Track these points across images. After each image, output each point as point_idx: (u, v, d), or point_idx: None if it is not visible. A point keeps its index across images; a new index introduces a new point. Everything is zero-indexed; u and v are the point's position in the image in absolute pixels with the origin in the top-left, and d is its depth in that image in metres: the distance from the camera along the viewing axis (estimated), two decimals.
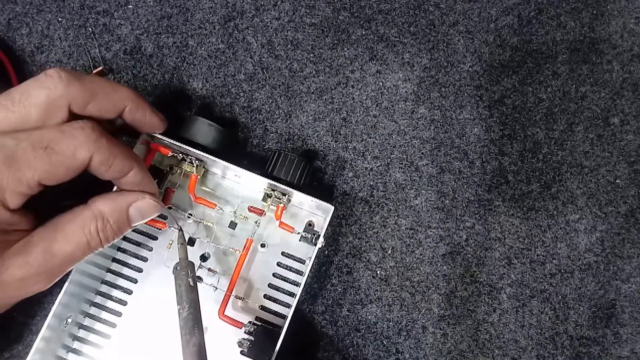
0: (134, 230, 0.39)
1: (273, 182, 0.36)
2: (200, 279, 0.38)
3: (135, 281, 0.38)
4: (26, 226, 0.27)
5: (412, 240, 0.42)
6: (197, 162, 0.38)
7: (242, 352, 0.37)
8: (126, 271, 0.38)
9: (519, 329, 0.41)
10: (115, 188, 0.32)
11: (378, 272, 0.41)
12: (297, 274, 0.39)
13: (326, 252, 0.41)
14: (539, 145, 0.44)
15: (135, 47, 0.44)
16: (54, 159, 0.25)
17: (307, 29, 0.45)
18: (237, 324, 0.37)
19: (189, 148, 0.36)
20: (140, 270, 0.39)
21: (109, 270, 0.38)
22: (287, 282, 0.39)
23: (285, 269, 0.39)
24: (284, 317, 0.38)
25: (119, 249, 0.39)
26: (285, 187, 0.36)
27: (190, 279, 0.31)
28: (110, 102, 0.29)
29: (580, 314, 0.42)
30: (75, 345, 0.37)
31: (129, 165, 0.29)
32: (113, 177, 0.29)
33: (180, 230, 0.35)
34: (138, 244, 0.39)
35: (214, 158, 0.36)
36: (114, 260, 0.39)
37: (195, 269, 0.38)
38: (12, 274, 0.26)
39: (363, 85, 0.44)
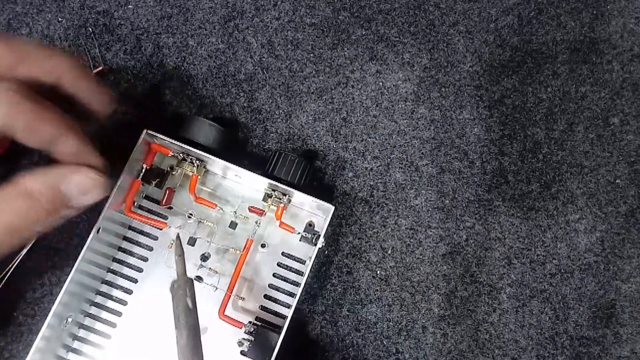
0: (134, 230, 0.39)
1: (273, 182, 0.36)
2: (200, 279, 0.38)
3: (135, 281, 0.38)
4: None
5: (412, 240, 0.42)
6: (197, 162, 0.38)
7: (242, 352, 0.37)
8: (126, 271, 0.39)
9: (519, 329, 0.41)
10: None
11: (378, 272, 0.41)
12: (297, 274, 0.39)
13: (326, 252, 0.41)
14: (539, 145, 0.44)
15: (135, 47, 0.44)
16: None
17: (307, 29, 0.45)
18: (237, 324, 0.37)
19: (190, 148, 0.36)
20: (140, 270, 0.39)
21: (109, 270, 0.38)
22: (287, 282, 0.39)
23: (286, 269, 0.39)
24: (284, 317, 0.38)
25: (120, 249, 0.39)
26: (286, 187, 0.36)
27: (188, 299, 0.29)
28: (43, 67, 0.25)
29: (580, 314, 0.42)
30: (76, 344, 0.37)
31: (59, 131, 0.24)
32: (41, 147, 0.25)
33: (178, 239, 0.33)
34: (138, 244, 0.39)
35: (214, 158, 0.36)
36: (114, 260, 0.39)
37: (197, 267, 0.38)
38: None
39: (363, 85, 0.44)
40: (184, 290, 0.29)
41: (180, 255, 0.32)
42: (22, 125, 0.23)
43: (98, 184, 0.27)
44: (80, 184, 0.26)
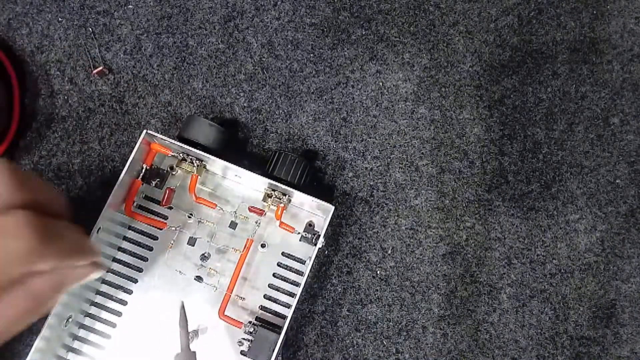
0: (134, 230, 0.39)
1: (273, 182, 0.36)
2: (200, 279, 0.38)
3: (135, 281, 0.38)
4: None
5: (412, 240, 0.42)
6: (197, 162, 0.38)
7: (242, 352, 0.37)
8: (126, 271, 0.38)
9: (519, 329, 0.41)
10: None
11: (378, 272, 0.41)
12: (297, 274, 0.39)
13: (326, 252, 0.41)
14: (539, 145, 0.44)
15: (135, 47, 0.44)
16: None
17: (307, 29, 0.45)
18: (237, 324, 0.37)
19: (190, 148, 0.36)
20: (140, 270, 0.39)
21: (109, 270, 0.38)
22: (287, 282, 0.39)
23: (286, 269, 0.39)
24: (284, 317, 0.38)
25: (120, 249, 0.39)
26: (286, 187, 0.36)
27: None
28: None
29: (580, 314, 0.42)
30: (76, 344, 0.37)
31: (75, 260, 0.24)
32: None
33: (183, 308, 0.33)
34: (138, 244, 0.39)
35: (214, 158, 0.36)
36: (115, 260, 0.39)
37: (197, 267, 0.38)
38: None
39: (363, 85, 0.44)
40: None
41: (185, 328, 0.33)
42: (42, 267, 0.22)
43: (97, 273, 0.26)
44: (82, 278, 0.26)
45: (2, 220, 0.19)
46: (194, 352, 0.32)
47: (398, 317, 0.41)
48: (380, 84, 0.45)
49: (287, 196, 0.38)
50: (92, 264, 0.26)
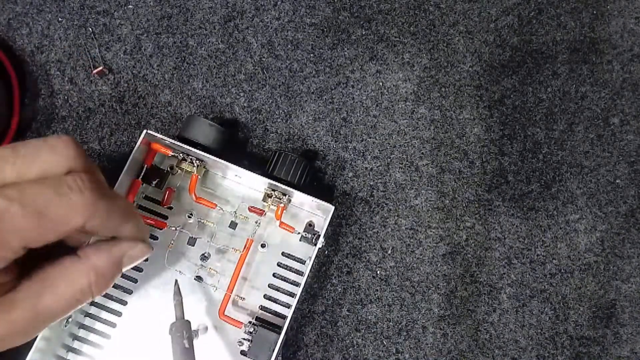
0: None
1: (273, 182, 0.36)
2: (200, 279, 0.38)
3: (135, 281, 0.38)
4: (9, 278, 0.24)
5: (412, 240, 0.42)
6: (197, 162, 0.38)
7: (242, 352, 0.37)
8: (126, 271, 0.38)
9: (519, 329, 0.41)
10: None
11: (378, 272, 0.41)
12: (297, 274, 0.39)
13: (326, 252, 0.41)
14: (539, 145, 0.44)
15: (135, 47, 0.44)
16: (45, 224, 0.23)
17: (307, 29, 0.45)
18: (237, 324, 0.37)
19: (190, 148, 0.36)
20: (140, 270, 0.39)
21: None
22: (287, 282, 0.39)
23: (286, 269, 0.39)
24: (284, 317, 0.38)
25: None
26: (286, 187, 0.36)
27: (186, 340, 0.32)
28: (51, 161, 0.25)
29: (580, 314, 0.42)
30: (75, 344, 0.37)
31: (124, 221, 0.27)
32: (104, 235, 0.27)
33: (177, 284, 0.34)
34: None
35: (214, 158, 0.36)
36: None
37: (197, 267, 0.38)
38: None
39: (363, 85, 0.44)
40: (181, 332, 0.32)
41: (179, 299, 0.33)
42: (92, 225, 0.25)
43: (147, 253, 0.29)
44: (135, 256, 0.28)
45: (68, 179, 0.23)
46: (188, 321, 0.33)
47: (398, 317, 0.41)
48: (380, 84, 0.45)
49: (287, 196, 0.38)
50: (142, 243, 0.29)
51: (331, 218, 0.37)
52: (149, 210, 0.39)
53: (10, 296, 0.24)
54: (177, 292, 0.34)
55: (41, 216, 0.22)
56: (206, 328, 0.38)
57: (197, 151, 0.36)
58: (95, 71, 0.43)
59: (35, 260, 0.25)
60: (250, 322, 0.36)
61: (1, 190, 0.22)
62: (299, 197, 0.37)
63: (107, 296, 0.38)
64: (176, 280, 0.35)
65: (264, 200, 0.38)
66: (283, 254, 0.39)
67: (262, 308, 0.39)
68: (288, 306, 0.39)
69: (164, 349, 0.37)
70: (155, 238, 0.39)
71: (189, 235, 0.38)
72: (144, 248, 0.29)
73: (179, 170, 0.39)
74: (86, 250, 0.27)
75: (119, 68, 0.43)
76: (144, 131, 0.35)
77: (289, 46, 0.45)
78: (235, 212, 0.39)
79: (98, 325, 0.38)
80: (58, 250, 0.26)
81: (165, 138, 0.36)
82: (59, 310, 0.25)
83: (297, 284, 0.39)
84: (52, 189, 0.23)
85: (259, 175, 0.36)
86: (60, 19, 0.44)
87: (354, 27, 0.45)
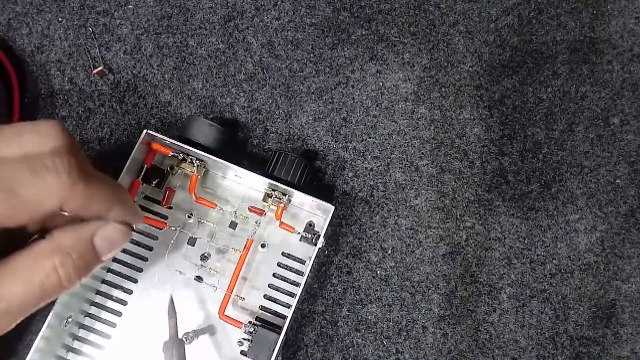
0: (134, 230, 0.39)
1: (273, 182, 0.36)
2: (200, 279, 0.38)
3: (135, 281, 0.38)
4: None
5: (412, 240, 0.42)
6: (197, 162, 0.38)
7: (242, 352, 0.37)
8: (126, 271, 0.38)
9: (519, 329, 0.41)
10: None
11: (378, 272, 0.41)
12: (297, 274, 0.39)
13: (326, 252, 0.41)
14: (539, 145, 0.44)
15: (135, 47, 0.44)
16: (15, 203, 0.22)
17: (307, 29, 0.45)
18: (237, 324, 0.37)
19: (190, 148, 0.36)
20: (140, 270, 0.39)
21: (109, 270, 0.38)
22: (287, 282, 0.39)
23: (286, 269, 0.39)
24: (284, 317, 0.38)
25: None
26: (286, 187, 0.36)
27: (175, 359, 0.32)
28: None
29: (580, 314, 0.42)
30: (75, 344, 0.37)
31: (107, 207, 0.25)
32: (89, 218, 0.26)
33: (171, 300, 0.34)
34: (138, 244, 0.39)
35: (214, 158, 0.36)
36: (115, 259, 0.39)
37: (197, 267, 0.38)
38: None
39: (363, 85, 0.44)
40: (171, 352, 0.32)
41: (173, 317, 0.33)
42: (72, 207, 0.23)
43: (126, 236, 0.27)
44: (111, 237, 0.26)
45: (46, 158, 0.22)
46: (182, 340, 0.33)
47: (398, 317, 0.41)
48: (380, 84, 0.45)
49: (287, 196, 0.38)
50: (120, 224, 0.27)
51: (331, 218, 0.37)
52: (149, 210, 0.39)
53: None
54: (172, 308, 0.34)
55: (12, 194, 0.21)
56: (206, 328, 0.38)
57: (197, 151, 0.36)
58: (95, 71, 0.43)
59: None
60: (250, 322, 0.36)
61: None
62: (299, 197, 0.37)
63: (107, 296, 0.38)
64: (171, 297, 0.35)
65: (264, 200, 0.38)
66: (283, 254, 0.39)
67: (262, 308, 0.39)
68: (288, 306, 0.39)
69: None
70: (155, 238, 0.39)
71: (189, 235, 0.38)
72: (119, 228, 0.26)
73: (179, 170, 0.39)
74: (52, 232, 0.25)
75: (119, 68, 0.43)
76: (144, 131, 0.35)
77: (289, 46, 0.45)
78: (235, 212, 0.39)
79: (98, 325, 0.38)
80: None
81: (166, 138, 0.36)
82: (25, 296, 0.23)
83: (297, 284, 0.39)
84: (27, 168, 0.22)
85: (259, 175, 0.36)
86: (60, 19, 0.44)
87: (354, 27, 0.45)
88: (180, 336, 0.35)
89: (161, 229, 0.39)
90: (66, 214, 0.24)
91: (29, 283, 0.23)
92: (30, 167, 0.22)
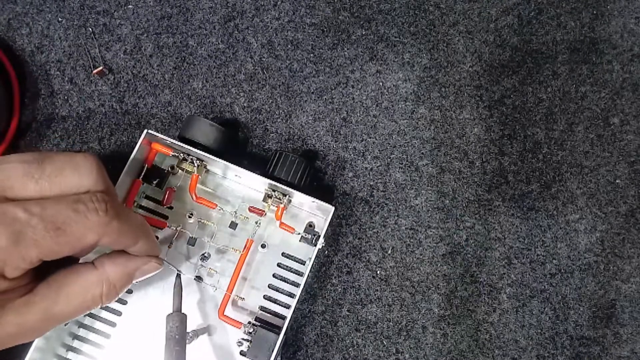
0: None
1: (273, 183, 0.36)
2: (200, 279, 0.38)
3: None
4: (25, 282, 0.26)
5: (412, 240, 0.42)
6: (197, 162, 0.38)
7: (241, 352, 0.37)
8: None
9: (519, 329, 0.41)
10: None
11: (378, 272, 0.41)
12: (297, 274, 0.39)
13: (326, 252, 0.41)
14: (539, 145, 0.44)
15: (135, 47, 0.44)
16: (62, 240, 0.24)
17: (307, 29, 0.45)
18: (236, 324, 0.37)
19: (190, 148, 0.36)
20: None
21: None
22: (287, 282, 0.39)
23: (285, 269, 0.39)
24: (283, 317, 0.38)
25: None
26: (286, 188, 0.36)
27: (178, 333, 0.32)
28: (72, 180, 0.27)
29: (580, 314, 0.42)
30: (75, 344, 0.37)
31: (135, 240, 0.28)
32: (117, 249, 0.29)
33: (178, 277, 0.35)
34: None
35: (214, 158, 0.36)
36: None
37: (197, 267, 0.39)
38: (7, 331, 0.25)
39: (363, 85, 0.44)
40: (173, 324, 0.33)
41: (178, 293, 0.34)
42: (106, 241, 0.26)
43: (159, 269, 0.32)
44: (146, 271, 0.31)
45: (87, 198, 0.25)
46: (185, 315, 0.33)
47: (398, 317, 0.41)
48: (380, 84, 0.45)
49: (287, 197, 0.38)
50: (155, 260, 0.31)
51: (331, 218, 0.37)
52: (149, 210, 0.39)
53: (27, 299, 0.25)
54: (179, 285, 0.34)
55: (59, 232, 0.24)
56: (206, 328, 0.38)
57: (197, 151, 0.36)
58: (95, 71, 0.43)
59: (49, 263, 0.26)
60: (249, 323, 0.36)
61: (24, 205, 0.24)
62: (299, 198, 0.37)
63: None
64: (178, 274, 0.35)
65: (264, 200, 0.38)
66: (283, 254, 0.39)
67: (262, 308, 0.39)
68: (288, 307, 0.39)
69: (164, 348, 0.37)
70: (156, 238, 0.39)
71: (189, 235, 0.38)
72: (156, 264, 0.31)
73: (179, 170, 0.39)
74: (102, 261, 0.29)
75: (119, 68, 0.43)
76: (145, 131, 0.35)
77: (289, 46, 0.45)
78: (235, 212, 0.39)
79: (98, 325, 0.38)
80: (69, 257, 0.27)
81: (166, 138, 0.36)
82: (69, 315, 0.27)
83: (297, 285, 0.39)
84: (71, 207, 0.24)
85: (259, 176, 0.36)
86: (60, 19, 0.44)
87: (354, 27, 0.45)
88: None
89: (161, 229, 0.39)
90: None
91: (78, 307, 0.27)
92: (73, 207, 0.25)
